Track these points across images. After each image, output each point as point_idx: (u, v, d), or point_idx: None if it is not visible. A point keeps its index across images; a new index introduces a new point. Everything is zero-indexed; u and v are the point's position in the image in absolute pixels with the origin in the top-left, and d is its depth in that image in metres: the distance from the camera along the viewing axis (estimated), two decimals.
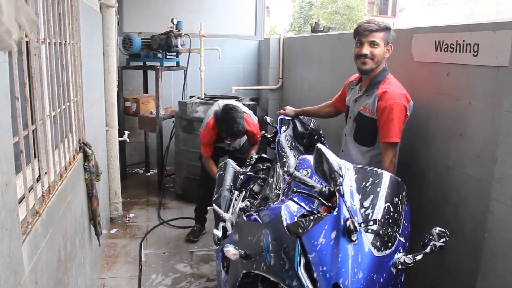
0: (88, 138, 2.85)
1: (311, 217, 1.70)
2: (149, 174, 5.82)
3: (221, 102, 3.93)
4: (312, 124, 3.33)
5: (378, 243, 1.63)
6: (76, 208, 2.45)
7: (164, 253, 3.68)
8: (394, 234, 1.70)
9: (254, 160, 3.40)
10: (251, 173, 3.14)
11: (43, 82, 1.97)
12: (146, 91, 5.69)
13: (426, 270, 2.53)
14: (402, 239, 1.71)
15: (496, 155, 1.84)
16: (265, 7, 6.37)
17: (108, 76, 3.94)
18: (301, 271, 1.60)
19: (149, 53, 5.24)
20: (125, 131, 4.63)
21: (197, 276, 3.33)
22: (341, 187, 1.64)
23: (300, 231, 1.66)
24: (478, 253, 1.99)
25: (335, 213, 1.65)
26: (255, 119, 3.88)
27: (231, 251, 1.94)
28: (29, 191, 1.65)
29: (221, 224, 2.73)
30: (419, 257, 1.63)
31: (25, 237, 1.51)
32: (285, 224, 1.78)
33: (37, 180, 1.85)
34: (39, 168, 1.86)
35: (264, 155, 3.50)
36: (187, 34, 5.04)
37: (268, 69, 5.50)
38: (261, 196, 2.80)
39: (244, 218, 2.30)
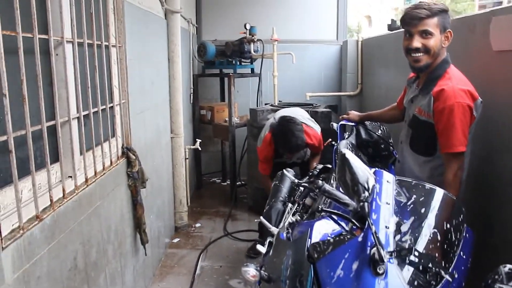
0: (138, 144, 2.78)
1: (331, 240, 1.38)
2: (225, 184, 5.71)
3: (278, 113, 3.69)
4: (380, 131, 2.94)
5: (416, 281, 1.23)
6: (109, 215, 2.35)
7: (220, 266, 3.49)
8: (440, 270, 1.30)
9: (318, 170, 3.08)
10: (306, 184, 2.84)
11: (65, 82, 1.90)
12: (223, 99, 5.62)
13: None
14: (451, 278, 1.29)
15: None
16: (366, 16, 6.03)
17: (174, 83, 3.89)
18: None
19: (223, 60, 5.17)
20: (196, 139, 4.57)
21: None
22: (366, 203, 1.31)
23: (316, 256, 1.33)
24: None
25: (360, 238, 1.29)
26: (318, 129, 3.58)
27: (250, 272, 1.69)
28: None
29: (269, 239, 2.48)
30: None
31: (10, 244, 1.42)
32: (307, 245, 1.46)
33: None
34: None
35: (329, 166, 3.18)
36: (260, 39, 4.87)
37: (346, 74, 5.14)
38: (310, 211, 2.49)
39: (282, 234, 2.03)
